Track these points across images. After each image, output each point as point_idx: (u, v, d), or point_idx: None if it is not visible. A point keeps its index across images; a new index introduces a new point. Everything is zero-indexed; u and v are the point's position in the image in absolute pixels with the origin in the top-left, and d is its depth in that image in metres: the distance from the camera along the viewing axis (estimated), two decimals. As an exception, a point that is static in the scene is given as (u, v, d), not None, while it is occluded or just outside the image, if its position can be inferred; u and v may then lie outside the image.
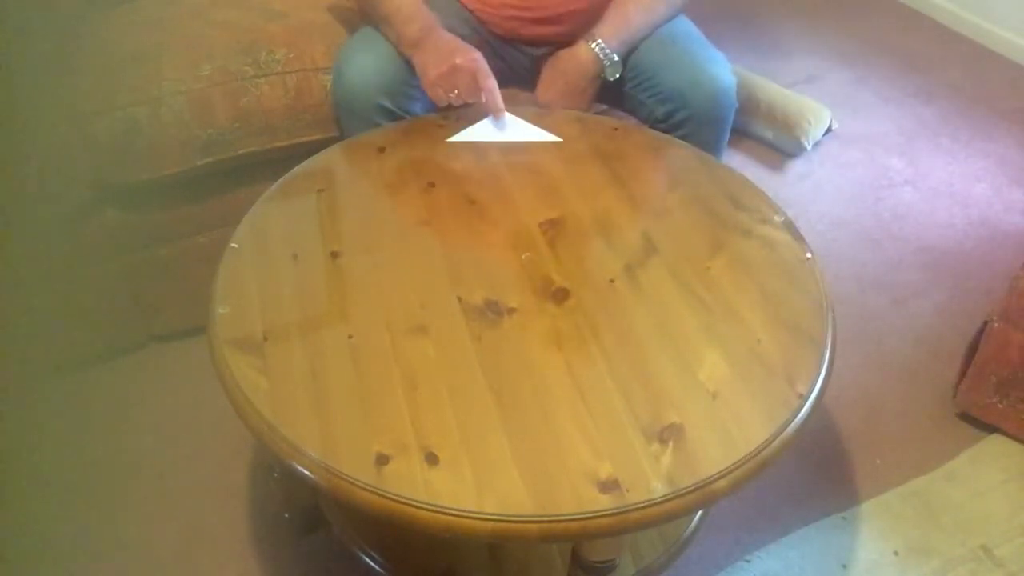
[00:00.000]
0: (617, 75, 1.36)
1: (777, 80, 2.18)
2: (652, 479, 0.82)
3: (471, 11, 1.41)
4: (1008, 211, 1.91)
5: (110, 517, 1.29)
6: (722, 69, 1.31)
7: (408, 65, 1.30)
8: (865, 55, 2.45)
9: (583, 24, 1.36)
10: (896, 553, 1.26)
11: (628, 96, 1.39)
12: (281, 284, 1.02)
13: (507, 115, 1.29)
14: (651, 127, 1.36)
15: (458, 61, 1.24)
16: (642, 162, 1.25)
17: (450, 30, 1.31)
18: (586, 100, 1.38)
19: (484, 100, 1.26)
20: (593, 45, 1.33)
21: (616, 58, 1.34)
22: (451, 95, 1.25)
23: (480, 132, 1.27)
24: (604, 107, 1.49)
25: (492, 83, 1.26)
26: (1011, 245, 1.82)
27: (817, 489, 1.35)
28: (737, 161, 2.01)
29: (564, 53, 1.35)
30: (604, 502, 0.80)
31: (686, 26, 1.42)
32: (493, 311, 0.99)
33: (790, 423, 0.88)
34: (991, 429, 1.44)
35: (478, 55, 1.26)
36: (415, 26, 1.28)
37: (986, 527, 1.30)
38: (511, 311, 0.99)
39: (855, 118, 2.19)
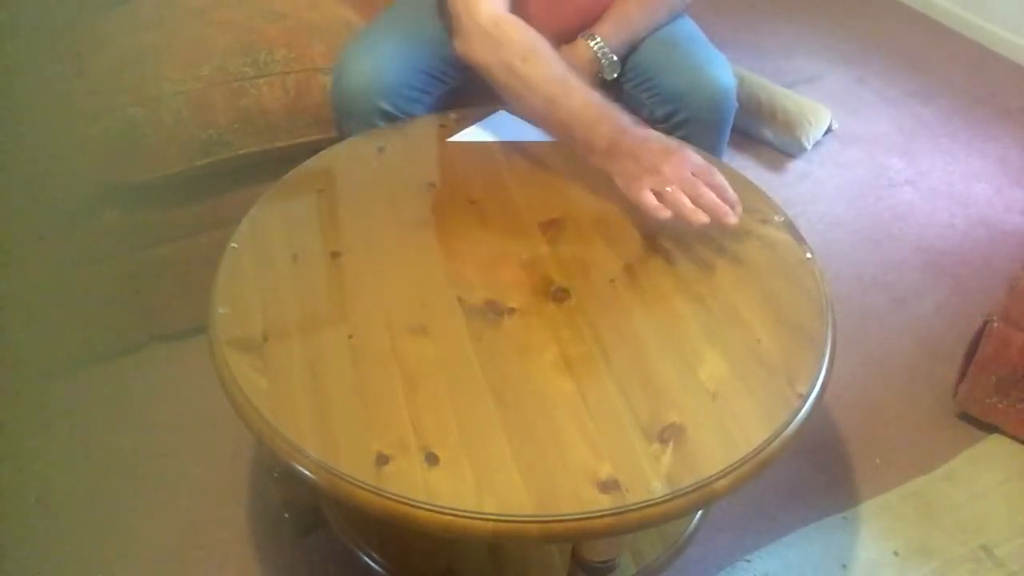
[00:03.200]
0: (615, 75, 1.36)
1: (777, 80, 2.18)
2: (652, 479, 0.82)
3: None
4: (1008, 211, 1.91)
5: (110, 517, 1.29)
6: (722, 71, 1.31)
7: (409, 67, 1.30)
8: (865, 55, 2.45)
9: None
10: (896, 553, 1.26)
11: (628, 95, 1.39)
12: (281, 284, 1.02)
13: (507, 115, 1.29)
14: (651, 127, 1.35)
15: (665, 169, 1.03)
16: (642, 162, 1.25)
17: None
18: None
19: (707, 201, 1.02)
20: (592, 44, 1.33)
21: (615, 58, 1.34)
22: (670, 210, 1.03)
23: (480, 132, 1.27)
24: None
25: (719, 179, 1.04)
26: (1011, 245, 1.82)
27: (817, 489, 1.35)
28: (737, 161, 2.01)
29: (562, 50, 1.35)
30: (604, 502, 0.80)
31: (687, 27, 1.42)
32: (493, 311, 0.99)
33: (790, 423, 0.88)
34: (991, 429, 1.44)
35: (687, 152, 1.06)
36: (603, 129, 1.09)
37: (986, 527, 1.30)
38: (511, 311, 0.99)
39: (855, 118, 2.19)
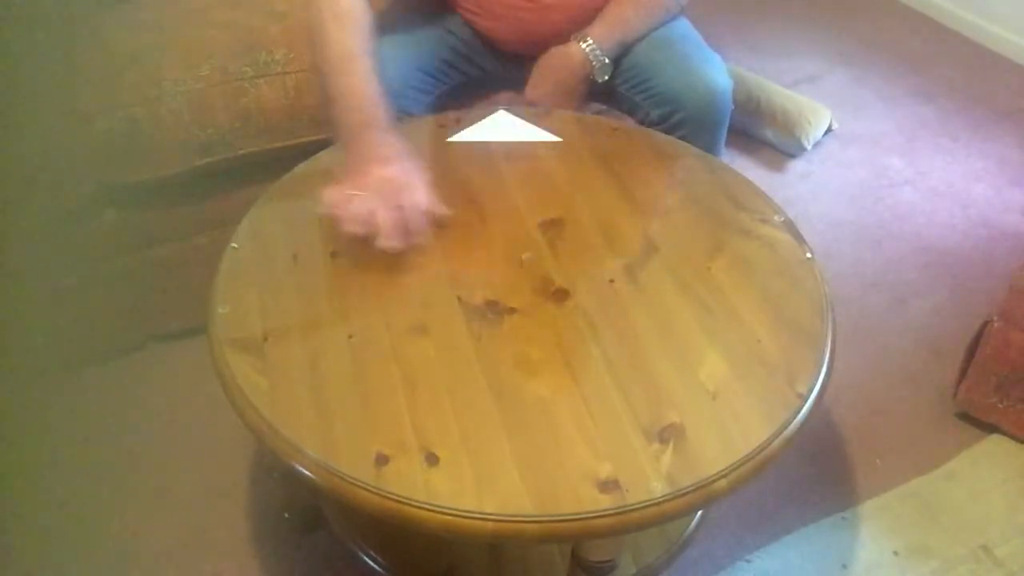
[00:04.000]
0: (607, 77, 1.36)
1: (777, 80, 2.18)
2: (652, 479, 0.82)
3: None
4: (1008, 211, 1.91)
5: (110, 517, 1.29)
6: (717, 71, 1.31)
7: (408, 67, 1.29)
8: (865, 55, 2.45)
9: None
10: (896, 553, 1.26)
11: (624, 97, 1.39)
12: (281, 284, 1.03)
13: (507, 115, 1.29)
14: (647, 128, 1.35)
15: (370, 173, 1.04)
16: (642, 162, 1.25)
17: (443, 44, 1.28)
18: (575, 99, 1.37)
19: (378, 219, 1.01)
20: (584, 45, 1.33)
21: (607, 60, 1.34)
22: (358, 224, 1.02)
23: (480, 132, 1.27)
24: (603, 108, 1.49)
25: (413, 206, 1.03)
26: (1011, 245, 1.82)
27: (817, 489, 1.35)
28: (737, 161, 2.01)
29: (555, 51, 1.35)
30: (604, 502, 0.80)
31: (683, 27, 1.41)
32: (493, 311, 0.99)
33: (790, 423, 0.88)
34: (991, 429, 1.44)
35: (397, 170, 1.05)
36: (356, 116, 1.11)
37: (986, 527, 1.30)
38: (511, 311, 0.99)
39: (855, 118, 2.19)
